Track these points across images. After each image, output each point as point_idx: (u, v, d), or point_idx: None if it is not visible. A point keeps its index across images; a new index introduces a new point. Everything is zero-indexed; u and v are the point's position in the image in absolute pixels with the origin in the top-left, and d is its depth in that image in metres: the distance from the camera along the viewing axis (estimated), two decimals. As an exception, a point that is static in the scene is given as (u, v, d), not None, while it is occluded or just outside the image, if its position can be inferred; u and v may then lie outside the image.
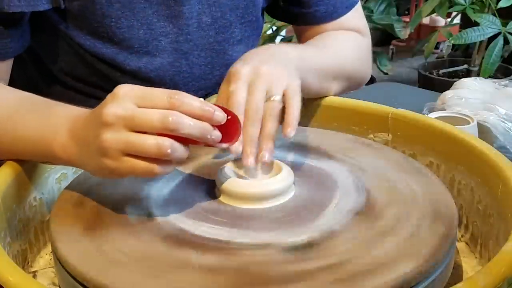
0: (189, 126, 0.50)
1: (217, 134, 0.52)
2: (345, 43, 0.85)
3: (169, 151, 0.49)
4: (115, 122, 0.50)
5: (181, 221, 0.54)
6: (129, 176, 0.53)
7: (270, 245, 0.50)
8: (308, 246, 0.50)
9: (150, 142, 0.49)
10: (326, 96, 0.79)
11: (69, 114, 0.58)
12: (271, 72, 0.62)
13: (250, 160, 0.57)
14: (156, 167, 0.50)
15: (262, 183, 0.58)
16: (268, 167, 0.59)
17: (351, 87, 0.87)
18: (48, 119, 0.60)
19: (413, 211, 0.55)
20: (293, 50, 0.72)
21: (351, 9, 0.88)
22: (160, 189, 0.59)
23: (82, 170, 0.69)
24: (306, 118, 0.80)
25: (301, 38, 0.91)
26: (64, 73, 0.81)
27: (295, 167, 0.61)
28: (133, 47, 0.76)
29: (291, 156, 0.66)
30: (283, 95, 0.61)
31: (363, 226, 0.53)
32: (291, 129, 0.59)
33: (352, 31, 0.88)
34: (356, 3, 0.89)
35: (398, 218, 0.54)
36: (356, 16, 0.89)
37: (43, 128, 0.59)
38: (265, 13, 0.91)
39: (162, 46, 0.78)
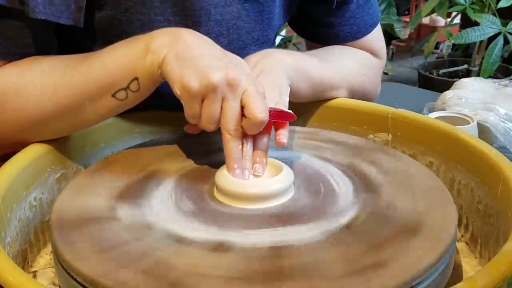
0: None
1: None
2: (350, 56, 0.85)
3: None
4: (243, 79, 0.57)
5: (178, 221, 0.54)
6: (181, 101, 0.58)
7: (264, 245, 0.50)
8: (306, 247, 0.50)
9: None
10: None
11: None
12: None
13: (245, 175, 0.59)
14: (211, 128, 0.59)
15: (262, 183, 0.58)
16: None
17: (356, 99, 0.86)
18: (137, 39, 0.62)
19: (413, 212, 0.55)
20: (290, 59, 0.73)
21: (374, 28, 0.88)
22: (161, 191, 0.59)
23: (82, 169, 0.69)
24: (306, 118, 0.80)
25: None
26: None
27: (295, 168, 0.61)
28: None
29: (290, 156, 0.66)
30: None
31: (361, 228, 0.53)
32: (283, 135, 0.61)
33: (364, 51, 0.88)
34: (378, 21, 0.89)
35: (397, 219, 0.54)
36: (374, 39, 0.89)
37: (136, 39, 0.62)
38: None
39: None
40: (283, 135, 0.61)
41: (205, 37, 0.62)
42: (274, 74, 0.69)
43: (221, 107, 0.58)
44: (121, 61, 0.61)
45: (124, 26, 0.71)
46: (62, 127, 0.66)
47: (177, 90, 0.58)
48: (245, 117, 0.57)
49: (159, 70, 0.59)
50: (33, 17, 0.62)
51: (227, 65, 0.58)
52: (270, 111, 0.59)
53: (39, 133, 0.65)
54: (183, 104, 0.59)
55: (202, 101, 0.58)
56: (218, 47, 0.62)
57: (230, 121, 0.58)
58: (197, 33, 0.62)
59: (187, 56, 0.58)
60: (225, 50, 0.62)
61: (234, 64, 0.59)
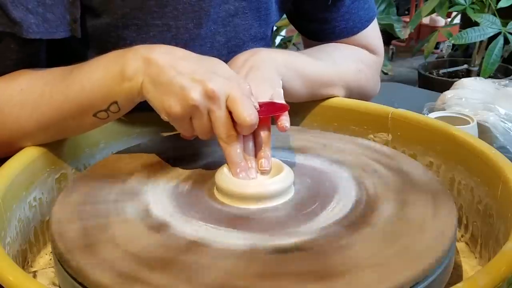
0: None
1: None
2: (344, 53, 0.85)
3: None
4: (222, 87, 0.57)
5: (177, 218, 0.54)
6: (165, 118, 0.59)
7: (260, 246, 0.50)
8: (302, 248, 0.49)
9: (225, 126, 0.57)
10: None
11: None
12: (254, 91, 0.64)
13: (251, 173, 0.59)
14: (207, 138, 0.60)
15: (262, 183, 0.58)
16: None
17: (354, 97, 0.86)
18: (113, 58, 0.61)
19: (412, 212, 0.55)
20: (280, 56, 0.73)
21: (369, 23, 0.88)
22: (162, 192, 0.59)
23: (82, 169, 0.69)
24: (306, 119, 0.80)
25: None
26: None
27: (295, 168, 0.61)
28: None
29: (290, 157, 0.66)
30: None
31: (360, 228, 0.52)
32: (284, 120, 0.61)
33: (361, 47, 0.88)
34: (374, 17, 0.89)
35: (396, 219, 0.54)
36: (370, 35, 0.89)
37: (112, 62, 0.61)
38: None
39: None
40: (284, 120, 0.61)
41: (178, 51, 0.61)
42: (263, 69, 0.69)
43: (210, 119, 0.58)
44: (98, 84, 0.60)
45: (120, 31, 0.71)
46: (47, 138, 0.65)
47: (164, 116, 0.59)
48: (235, 122, 0.58)
49: (139, 96, 0.59)
50: (27, 37, 0.62)
51: (203, 77, 0.57)
52: (261, 106, 0.59)
53: (23, 144, 0.65)
54: (174, 126, 0.60)
55: (191, 118, 0.58)
56: (193, 57, 0.61)
57: (221, 130, 0.58)
58: (169, 48, 0.61)
59: (162, 81, 0.57)
60: (202, 56, 0.61)
61: (211, 73, 0.58)
